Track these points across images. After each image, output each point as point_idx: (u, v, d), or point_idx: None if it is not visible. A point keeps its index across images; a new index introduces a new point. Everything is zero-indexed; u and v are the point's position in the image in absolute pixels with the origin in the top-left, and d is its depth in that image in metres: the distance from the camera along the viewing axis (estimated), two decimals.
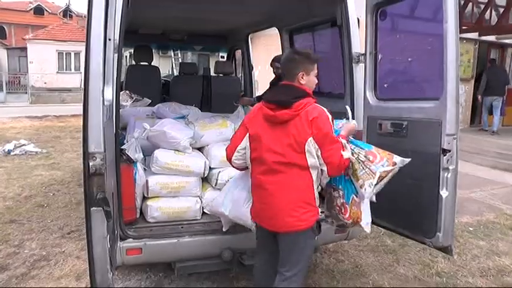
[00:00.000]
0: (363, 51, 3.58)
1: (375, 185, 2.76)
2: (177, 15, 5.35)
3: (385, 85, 3.47)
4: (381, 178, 2.76)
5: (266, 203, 2.80)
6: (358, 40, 3.63)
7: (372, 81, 3.50)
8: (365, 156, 2.80)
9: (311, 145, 2.66)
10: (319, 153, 2.67)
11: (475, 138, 11.31)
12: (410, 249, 4.86)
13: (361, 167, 2.79)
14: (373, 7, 3.49)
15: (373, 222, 3.52)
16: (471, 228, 5.73)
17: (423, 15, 3.27)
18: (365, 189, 2.77)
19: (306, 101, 2.69)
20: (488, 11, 13.30)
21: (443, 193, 2.98)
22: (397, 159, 2.81)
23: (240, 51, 7.13)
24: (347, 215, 2.88)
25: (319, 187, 2.86)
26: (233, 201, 3.14)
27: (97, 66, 2.47)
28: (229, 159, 3.00)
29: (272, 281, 2.87)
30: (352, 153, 2.80)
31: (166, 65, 19.31)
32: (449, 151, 2.94)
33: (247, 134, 2.87)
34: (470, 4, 13.04)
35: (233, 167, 3.05)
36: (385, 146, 3.21)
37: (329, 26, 4.11)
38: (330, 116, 2.71)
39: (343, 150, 2.71)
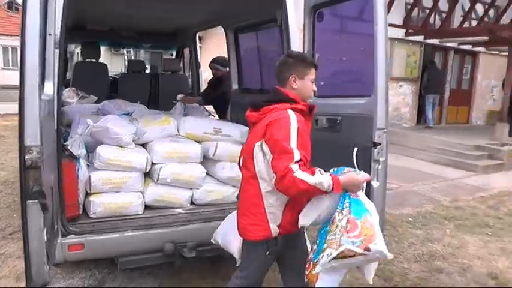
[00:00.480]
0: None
1: (333, 258, 2.27)
2: (124, 12, 5.34)
3: (322, 83, 3.59)
4: (342, 255, 2.24)
5: (239, 206, 2.75)
6: (297, 40, 3.75)
7: None
8: (346, 222, 2.31)
9: (258, 150, 2.48)
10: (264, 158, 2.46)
11: (421, 135, 11.78)
12: None
13: (335, 231, 2.35)
14: (310, 9, 3.62)
15: None
16: (411, 219, 6.04)
17: (357, 18, 3.43)
18: (322, 256, 2.33)
19: (279, 106, 2.48)
20: (433, 15, 13.87)
21: (374, 184, 3.13)
22: (374, 246, 2.22)
23: (188, 49, 7.17)
24: (357, 232, 2.26)
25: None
26: (224, 230, 3.14)
27: (33, 60, 2.46)
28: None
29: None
30: (340, 212, 2.40)
31: (119, 62, 19.04)
32: (380, 144, 3.10)
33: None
34: (417, 9, 13.54)
35: None
36: (321, 140, 3.35)
37: (271, 26, 4.22)
38: (295, 125, 2.38)
39: (303, 170, 2.31)
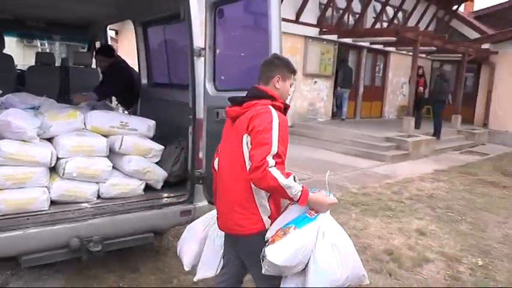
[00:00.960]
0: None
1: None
2: (27, 0, 5.15)
3: (223, 77, 3.73)
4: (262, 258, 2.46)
5: (219, 199, 2.75)
6: (200, 35, 3.84)
7: (211, 73, 3.74)
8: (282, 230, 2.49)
9: (245, 144, 2.50)
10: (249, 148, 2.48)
11: (335, 129, 12.35)
12: None
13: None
14: (211, 5, 3.72)
15: (212, 203, 3.82)
16: None
17: (254, 15, 3.57)
18: None
19: (260, 102, 2.55)
20: (347, 16, 14.46)
21: None
22: (266, 249, 2.44)
23: (99, 43, 7.04)
24: (272, 237, 2.50)
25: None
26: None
27: None
28: (213, 163, 2.93)
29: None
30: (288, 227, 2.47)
31: (32, 55, 18.15)
32: None
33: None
34: (330, 9, 14.05)
35: (214, 176, 2.92)
36: (221, 132, 3.49)
37: (176, 21, 4.28)
38: (276, 120, 2.44)
39: (278, 168, 2.35)
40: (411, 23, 16.77)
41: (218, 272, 2.89)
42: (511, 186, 8.83)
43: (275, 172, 2.35)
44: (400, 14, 17.14)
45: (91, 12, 5.81)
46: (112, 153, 4.08)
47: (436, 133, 13.45)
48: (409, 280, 4.37)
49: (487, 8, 21.66)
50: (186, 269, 3.05)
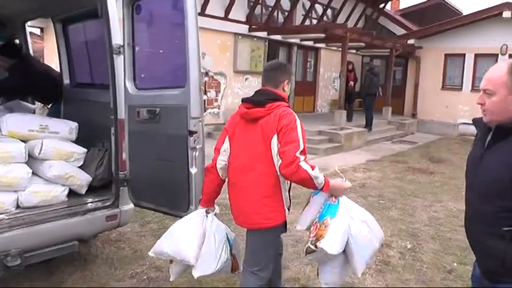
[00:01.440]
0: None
1: (305, 254, 2.76)
2: None
3: (143, 75, 3.64)
4: (308, 251, 2.71)
5: (238, 197, 2.92)
6: (119, 32, 3.71)
7: (131, 71, 3.62)
8: (313, 225, 2.80)
9: (275, 143, 2.72)
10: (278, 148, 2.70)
11: None
12: None
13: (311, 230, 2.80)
14: (129, 1, 3.61)
15: (138, 205, 3.74)
16: None
17: (172, 11, 3.48)
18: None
19: (279, 104, 2.82)
20: (276, 13, 14.59)
21: (193, 170, 3.24)
22: (319, 244, 2.63)
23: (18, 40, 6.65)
24: (314, 232, 2.72)
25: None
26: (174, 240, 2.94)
27: None
28: (213, 162, 3.02)
29: None
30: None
31: None
32: (196, 132, 3.22)
33: (227, 135, 3.00)
34: (259, 6, 14.12)
35: (207, 183, 3.04)
36: (143, 131, 3.41)
37: (95, 18, 4.11)
38: (298, 120, 2.75)
39: (306, 162, 2.63)
40: (340, 20, 17.16)
41: (217, 268, 2.89)
42: (437, 172, 9.25)
43: (305, 166, 2.64)
44: (329, 12, 17.52)
45: (4, 7, 5.45)
46: (32, 159, 3.84)
47: (368, 125, 13.87)
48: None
49: (412, 6, 22.86)
50: (193, 263, 2.86)
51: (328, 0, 16.52)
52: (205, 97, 12.47)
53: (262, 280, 2.91)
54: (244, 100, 2.96)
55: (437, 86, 17.52)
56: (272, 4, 14.37)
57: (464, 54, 16.91)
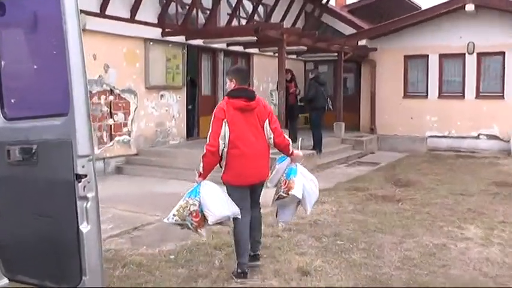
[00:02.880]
0: None
1: (276, 199, 5.68)
2: None
3: (13, 100, 3.39)
4: (280, 197, 5.61)
5: (252, 165, 5.35)
6: None
7: None
8: (282, 180, 5.58)
9: (267, 124, 5.39)
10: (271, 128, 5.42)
11: (192, 153, 12.24)
12: None
13: (280, 184, 5.59)
14: None
15: (15, 280, 3.44)
16: (172, 256, 6.16)
17: (48, 12, 3.27)
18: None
19: (258, 97, 5.44)
20: (194, 12, 14.56)
21: (84, 228, 3.04)
22: (292, 192, 5.46)
23: None
24: (285, 185, 5.49)
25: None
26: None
27: None
28: (216, 147, 5.21)
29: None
30: (282, 175, 5.64)
31: None
32: (86, 176, 3.02)
33: (224, 123, 5.20)
34: (174, 4, 14.05)
35: (210, 162, 5.33)
36: (16, 177, 3.15)
37: None
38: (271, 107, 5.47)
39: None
40: (275, 19, 17.41)
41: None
42: (405, 198, 9.41)
43: (287, 136, 5.60)
44: (261, 9, 17.78)
45: None
46: None
47: (317, 146, 13.99)
48: None
49: (361, 0, 23.45)
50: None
51: None
52: (111, 122, 12.25)
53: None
54: (236, 96, 5.32)
55: (399, 94, 18.15)
56: (189, 1, 14.33)
57: (427, 55, 17.70)
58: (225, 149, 5.23)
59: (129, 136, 12.79)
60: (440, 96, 17.47)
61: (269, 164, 5.57)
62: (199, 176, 5.35)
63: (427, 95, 17.72)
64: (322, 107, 14.06)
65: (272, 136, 5.38)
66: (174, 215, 5.18)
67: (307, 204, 5.65)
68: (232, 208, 5.19)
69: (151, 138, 13.41)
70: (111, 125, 12.25)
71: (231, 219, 5.30)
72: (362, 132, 18.37)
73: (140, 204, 8.82)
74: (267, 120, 5.35)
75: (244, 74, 5.64)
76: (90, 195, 3.06)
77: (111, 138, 12.27)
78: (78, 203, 3.04)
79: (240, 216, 5.26)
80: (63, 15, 3.00)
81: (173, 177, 11.20)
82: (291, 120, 14.37)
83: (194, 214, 5.11)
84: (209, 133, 5.22)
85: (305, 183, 5.51)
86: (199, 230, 5.19)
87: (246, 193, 5.47)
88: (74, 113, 2.99)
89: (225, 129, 5.16)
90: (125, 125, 12.69)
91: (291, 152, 5.57)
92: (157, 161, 12.25)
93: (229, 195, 5.29)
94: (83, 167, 3.02)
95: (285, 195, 5.44)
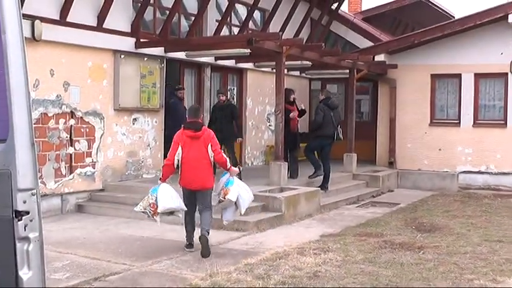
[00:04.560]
0: None
1: (218, 202, 9.36)
2: None
3: None
4: (221, 201, 9.27)
5: (194, 175, 8.96)
6: None
7: None
8: (221, 189, 9.22)
9: (209, 146, 9.03)
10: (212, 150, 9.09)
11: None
12: None
13: (219, 192, 9.23)
14: None
15: None
16: None
17: None
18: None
19: (205, 127, 9.47)
20: (176, 19, 14.69)
21: (24, 274, 3.11)
22: (227, 196, 9.05)
23: None
24: (222, 192, 9.12)
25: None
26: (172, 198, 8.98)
27: None
28: (171, 161, 9.03)
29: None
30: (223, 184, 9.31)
31: None
32: (27, 213, 3.11)
33: (179, 146, 8.97)
34: (151, 9, 14.18)
35: (167, 171, 9.13)
36: None
37: None
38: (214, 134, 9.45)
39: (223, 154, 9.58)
40: (275, 27, 17.57)
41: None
42: (428, 246, 9.44)
43: (224, 156, 9.64)
44: (257, 15, 18.05)
45: None
46: None
47: (323, 182, 14.10)
48: None
49: (380, 6, 23.59)
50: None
51: None
52: (71, 150, 12.29)
53: (211, 213, 9.34)
54: (188, 128, 9.12)
55: (424, 121, 18.25)
56: (170, 5, 14.48)
57: (459, 75, 17.77)
58: (180, 163, 9.06)
59: (94, 168, 12.80)
60: (475, 124, 17.55)
61: (211, 177, 9.35)
62: (160, 180, 9.21)
63: (459, 122, 17.82)
64: (329, 136, 14.22)
65: (213, 155, 9.13)
66: (140, 205, 9.06)
67: (241, 206, 9.39)
68: (178, 203, 9.00)
69: (121, 171, 13.40)
70: (71, 155, 12.27)
71: (183, 213, 9.26)
72: (378, 166, 18.52)
73: (104, 250, 8.91)
74: (210, 144, 9.12)
75: (194, 111, 9.78)
76: (32, 235, 3.12)
77: (71, 170, 12.28)
78: (18, 244, 3.09)
79: (186, 209, 9.11)
80: (1, 23, 3.08)
81: (144, 218, 11.23)
82: (292, 149, 14.56)
83: (151, 205, 8.85)
84: (169, 151, 9.25)
85: (239, 190, 9.23)
86: (155, 217, 8.94)
87: (192, 195, 9.26)
88: (14, 139, 3.07)
89: (179, 150, 9.05)
90: (89, 154, 12.70)
91: (228, 167, 9.32)
92: (126, 198, 12.16)
93: (183, 194, 9.25)
94: (24, 202, 3.09)
95: (223, 199, 9.17)
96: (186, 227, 9.47)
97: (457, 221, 11.70)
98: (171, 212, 9.04)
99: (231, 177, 9.34)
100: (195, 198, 9.25)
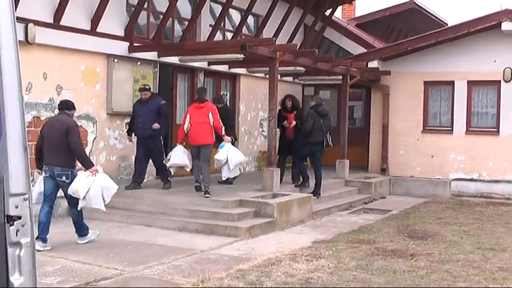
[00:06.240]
0: None
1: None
2: None
3: None
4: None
5: (197, 134, 12.65)
6: None
7: None
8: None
9: (210, 114, 12.70)
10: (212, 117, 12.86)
11: (159, 193, 12.49)
12: None
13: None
14: None
15: None
16: None
17: None
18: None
19: (208, 101, 13.44)
20: (170, 23, 14.71)
21: (16, 280, 3.09)
22: (216, 156, 12.99)
23: None
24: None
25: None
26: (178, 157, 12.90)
27: None
28: (183, 128, 12.88)
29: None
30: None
31: None
32: (19, 218, 3.08)
33: (188, 114, 12.83)
34: (145, 13, 14.20)
35: (180, 135, 13.09)
36: None
37: None
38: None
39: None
40: (268, 33, 17.58)
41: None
42: (420, 253, 9.46)
43: (221, 123, 13.03)
44: (251, 21, 18.07)
45: None
46: None
47: (315, 188, 14.13)
48: None
49: (374, 12, 23.79)
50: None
51: (249, 3, 16.96)
52: None
53: (209, 168, 12.87)
54: (196, 101, 13.25)
55: (417, 128, 18.37)
56: (164, 10, 14.50)
57: (453, 82, 17.91)
58: (189, 127, 12.56)
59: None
60: (468, 131, 17.64)
61: (211, 136, 12.63)
62: (177, 143, 12.87)
63: (452, 129, 17.92)
64: (319, 142, 14.24)
65: (213, 121, 12.45)
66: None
67: (232, 165, 12.76)
68: (182, 161, 12.71)
69: (113, 175, 13.27)
70: None
71: (189, 166, 12.92)
72: (371, 172, 18.60)
73: (95, 255, 8.88)
74: (210, 112, 12.51)
75: (200, 92, 13.47)
76: (24, 241, 3.09)
77: None
78: (9, 250, 3.07)
79: (190, 167, 12.87)
80: None
81: (137, 223, 11.28)
82: (284, 155, 14.72)
83: (166, 160, 12.85)
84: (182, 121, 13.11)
85: (228, 152, 12.72)
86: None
87: (197, 150, 12.65)
88: (7, 142, 3.04)
89: (188, 118, 12.64)
90: None
91: (222, 134, 12.73)
92: (118, 202, 12.01)
93: (191, 151, 12.78)
94: (17, 207, 3.06)
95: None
96: (194, 175, 13.08)
97: (450, 228, 11.74)
98: (181, 167, 12.98)
99: (223, 142, 12.89)
100: (199, 153, 12.60)
